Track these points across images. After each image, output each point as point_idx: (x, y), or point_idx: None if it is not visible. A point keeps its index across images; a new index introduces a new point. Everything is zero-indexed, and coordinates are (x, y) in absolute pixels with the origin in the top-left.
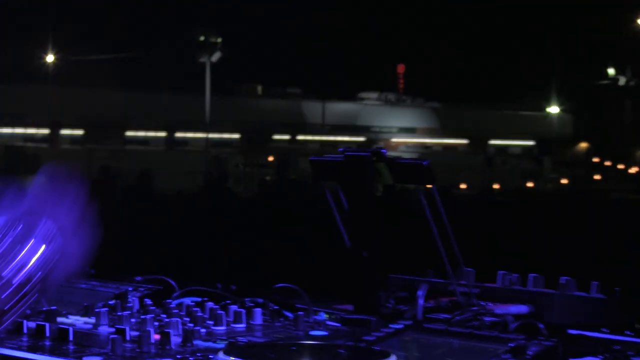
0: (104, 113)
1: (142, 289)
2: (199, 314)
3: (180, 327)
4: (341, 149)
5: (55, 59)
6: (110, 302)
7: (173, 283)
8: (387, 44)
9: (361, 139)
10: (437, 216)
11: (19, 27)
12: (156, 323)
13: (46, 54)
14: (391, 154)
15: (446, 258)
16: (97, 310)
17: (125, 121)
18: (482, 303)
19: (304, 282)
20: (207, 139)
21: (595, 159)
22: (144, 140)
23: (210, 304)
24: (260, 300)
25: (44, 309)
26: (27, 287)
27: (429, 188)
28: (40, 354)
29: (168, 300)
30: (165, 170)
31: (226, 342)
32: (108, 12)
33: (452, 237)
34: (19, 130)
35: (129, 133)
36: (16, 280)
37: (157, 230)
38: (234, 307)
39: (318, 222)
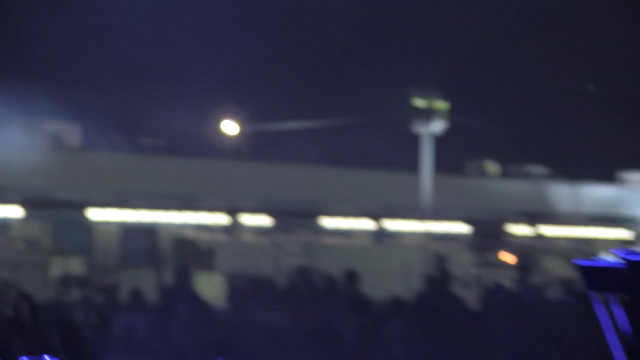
0: (295, 196)
1: None
2: None
3: None
4: (620, 252)
5: (239, 129)
6: None
7: None
8: None
9: (627, 233)
10: None
11: (186, 88)
12: None
13: (225, 122)
14: None
15: None
16: None
17: (322, 206)
18: None
19: None
20: (425, 230)
21: None
22: (346, 232)
23: None
24: None
25: None
26: None
27: None
28: None
29: None
30: (373, 269)
31: None
32: (297, 74)
33: None
34: (191, 217)
35: (327, 222)
36: None
37: (366, 344)
38: None
39: (577, 342)
